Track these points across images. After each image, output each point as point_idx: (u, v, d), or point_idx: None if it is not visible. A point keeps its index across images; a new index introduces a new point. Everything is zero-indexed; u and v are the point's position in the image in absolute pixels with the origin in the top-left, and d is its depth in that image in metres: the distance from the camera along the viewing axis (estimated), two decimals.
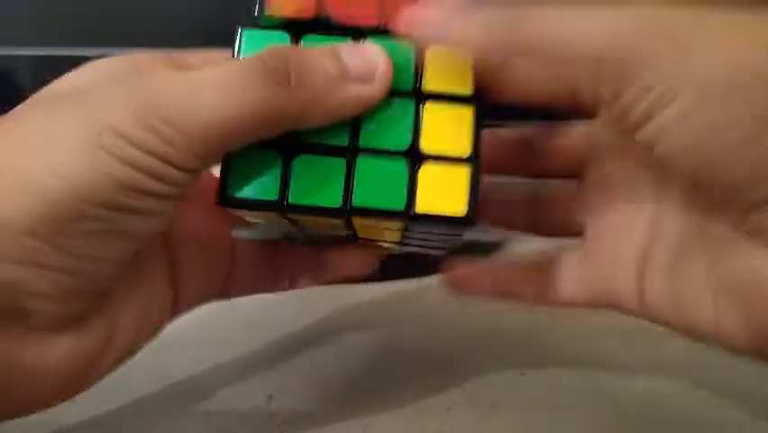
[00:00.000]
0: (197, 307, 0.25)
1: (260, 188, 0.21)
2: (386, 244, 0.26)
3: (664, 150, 0.19)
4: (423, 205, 0.21)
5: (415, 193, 0.21)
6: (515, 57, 0.21)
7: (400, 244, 0.25)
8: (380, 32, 0.21)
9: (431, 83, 0.21)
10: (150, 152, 0.19)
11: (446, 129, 0.21)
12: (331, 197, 0.21)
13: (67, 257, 0.19)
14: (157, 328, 0.24)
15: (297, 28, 0.22)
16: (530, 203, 0.26)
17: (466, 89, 0.21)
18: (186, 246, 0.24)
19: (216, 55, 0.24)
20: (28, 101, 0.22)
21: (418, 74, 0.21)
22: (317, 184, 0.21)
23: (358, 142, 0.21)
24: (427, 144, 0.21)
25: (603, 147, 0.24)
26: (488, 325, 0.27)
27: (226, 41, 0.36)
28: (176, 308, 0.24)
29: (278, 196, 0.21)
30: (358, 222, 0.22)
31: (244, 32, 0.22)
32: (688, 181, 0.21)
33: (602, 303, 0.23)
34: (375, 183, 0.21)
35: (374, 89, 0.21)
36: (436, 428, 0.25)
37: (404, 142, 0.21)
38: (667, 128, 0.18)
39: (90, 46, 0.36)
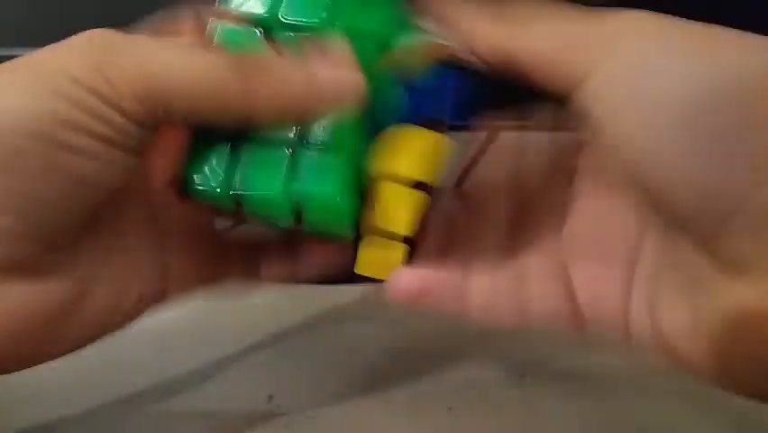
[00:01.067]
0: (189, 293, 0.24)
1: (210, 179, 0.22)
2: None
3: (627, 155, 0.18)
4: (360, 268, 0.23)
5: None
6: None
7: None
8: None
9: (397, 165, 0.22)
10: (93, 92, 0.19)
11: (394, 207, 0.22)
12: (272, 186, 0.21)
13: (8, 195, 0.19)
14: (138, 307, 0.23)
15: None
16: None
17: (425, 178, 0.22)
18: (177, 226, 0.24)
19: (193, 12, 0.24)
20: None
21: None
22: (262, 174, 0.21)
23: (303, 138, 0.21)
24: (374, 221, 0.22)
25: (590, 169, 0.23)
26: (488, 325, 0.27)
27: None
28: (164, 292, 0.24)
29: (225, 186, 0.21)
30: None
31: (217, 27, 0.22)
32: (643, 195, 0.20)
33: (575, 325, 0.22)
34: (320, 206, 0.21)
35: (341, 75, 0.21)
36: (436, 428, 0.25)
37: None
38: (629, 130, 0.18)
39: None
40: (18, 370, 0.21)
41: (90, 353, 0.22)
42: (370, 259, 0.22)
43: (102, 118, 0.19)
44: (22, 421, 0.24)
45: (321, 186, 0.21)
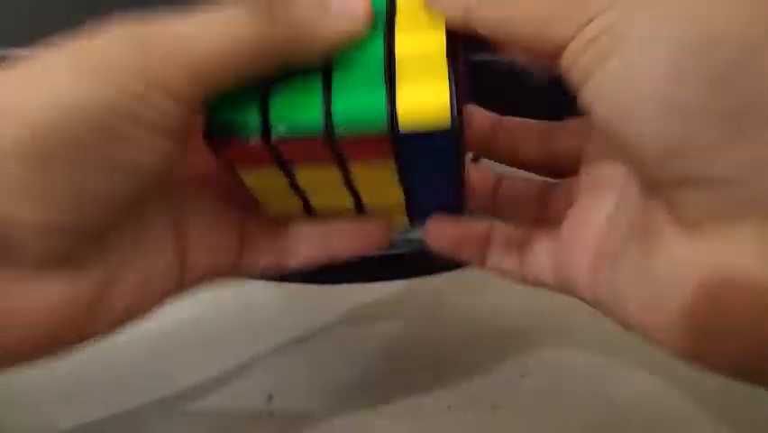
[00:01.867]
0: (206, 283, 0.24)
1: (243, 123, 0.21)
2: (393, 215, 0.25)
3: (601, 113, 0.19)
4: (404, 120, 0.20)
5: (396, 112, 0.20)
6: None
7: (407, 207, 0.25)
8: None
9: (402, 22, 0.22)
10: (141, 78, 0.19)
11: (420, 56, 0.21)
12: (312, 117, 0.21)
13: (54, 186, 0.19)
14: (160, 296, 0.24)
15: None
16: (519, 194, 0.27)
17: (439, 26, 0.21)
18: (194, 217, 0.24)
19: None
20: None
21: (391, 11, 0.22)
22: (297, 107, 0.21)
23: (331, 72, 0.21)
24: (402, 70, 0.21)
25: (586, 144, 0.25)
26: (488, 325, 0.27)
27: None
28: (182, 282, 0.24)
29: (261, 127, 0.21)
30: (355, 173, 0.22)
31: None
32: (621, 154, 0.20)
33: (566, 290, 0.23)
34: (352, 100, 0.21)
35: (354, 24, 0.21)
36: (436, 428, 0.25)
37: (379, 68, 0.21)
38: (605, 87, 0.19)
39: None
40: (45, 357, 0.21)
41: (90, 353, 0.22)
42: (412, 102, 0.20)
43: (152, 105, 0.19)
44: (22, 421, 0.24)
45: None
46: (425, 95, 0.20)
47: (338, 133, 0.20)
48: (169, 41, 0.20)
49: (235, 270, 0.26)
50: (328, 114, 0.21)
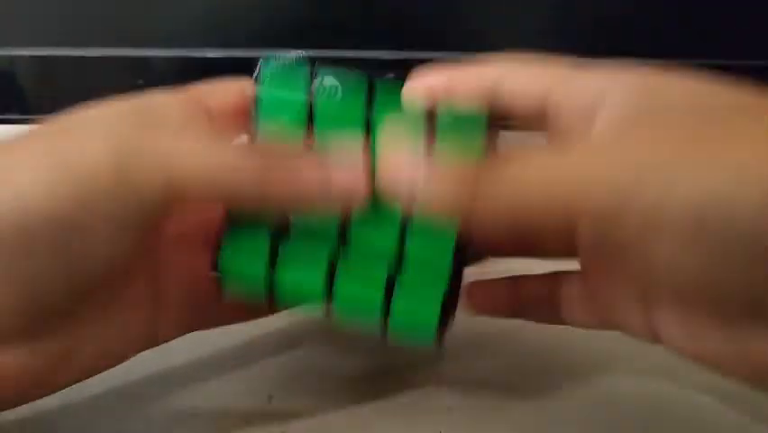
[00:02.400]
0: (179, 335, 0.25)
1: (248, 263, 0.22)
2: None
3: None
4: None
5: (387, 324, 0.22)
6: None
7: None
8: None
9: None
10: (114, 181, 0.19)
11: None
12: (315, 293, 0.22)
13: (13, 275, 0.19)
14: (129, 353, 0.24)
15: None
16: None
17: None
18: (172, 274, 0.24)
19: (234, 86, 0.25)
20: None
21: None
22: (302, 279, 0.22)
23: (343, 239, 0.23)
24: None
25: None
26: (488, 325, 0.27)
27: (227, 40, 0.36)
28: (155, 338, 0.24)
29: (265, 273, 0.22)
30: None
31: (265, 65, 0.23)
32: None
33: (612, 328, 0.23)
34: (352, 294, 0.22)
35: (351, 201, 0.21)
36: (436, 428, 0.25)
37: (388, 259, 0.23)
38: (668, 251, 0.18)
39: (90, 46, 0.36)
40: (4, 410, 0.21)
41: None
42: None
43: (119, 204, 0.20)
44: (21, 417, 0.24)
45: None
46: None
47: (335, 314, 0.22)
48: (154, 151, 0.20)
49: (211, 322, 0.26)
50: (329, 295, 0.22)
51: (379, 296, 0.22)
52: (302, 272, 0.22)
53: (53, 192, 0.19)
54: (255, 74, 0.23)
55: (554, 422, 0.25)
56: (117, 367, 0.28)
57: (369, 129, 0.22)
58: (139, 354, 0.24)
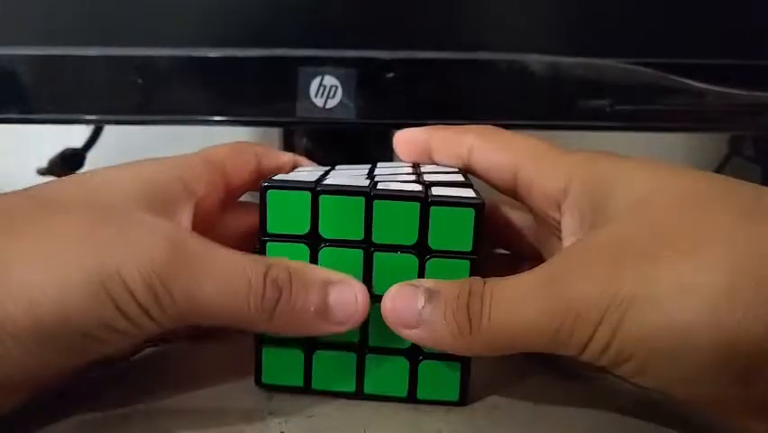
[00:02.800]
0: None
1: (287, 375, 0.26)
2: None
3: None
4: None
5: (416, 385, 0.26)
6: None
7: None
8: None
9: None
10: (140, 306, 0.21)
11: None
12: (347, 385, 0.26)
13: (32, 363, 0.21)
14: (128, 357, 0.27)
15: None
16: None
17: None
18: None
19: (248, 150, 0.29)
20: (48, 193, 0.24)
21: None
22: (335, 373, 0.26)
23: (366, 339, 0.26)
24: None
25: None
26: None
27: (227, 40, 0.36)
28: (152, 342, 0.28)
29: (303, 382, 0.26)
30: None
31: (269, 194, 0.25)
32: None
33: None
34: (381, 379, 0.26)
35: (341, 329, 0.24)
36: (436, 427, 0.25)
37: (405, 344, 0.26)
38: (632, 376, 0.21)
39: (90, 46, 0.36)
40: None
41: None
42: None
43: (137, 324, 0.22)
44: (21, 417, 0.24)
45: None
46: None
47: (366, 394, 0.26)
48: (180, 281, 0.22)
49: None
50: (360, 382, 0.26)
51: (404, 385, 0.26)
52: (334, 378, 0.26)
53: (84, 308, 0.21)
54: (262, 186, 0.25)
55: (555, 422, 0.25)
56: (117, 366, 0.28)
57: (368, 237, 0.25)
58: (138, 356, 0.24)
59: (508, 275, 0.24)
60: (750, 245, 0.20)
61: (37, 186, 0.24)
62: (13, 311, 0.20)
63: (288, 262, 0.24)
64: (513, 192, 0.28)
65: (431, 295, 0.23)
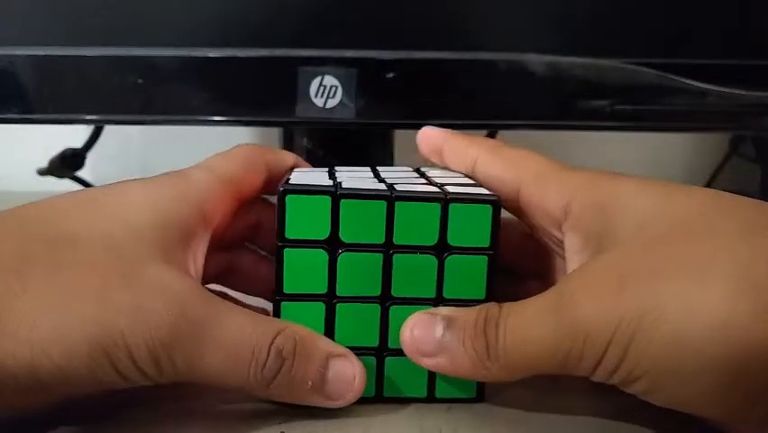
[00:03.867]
0: None
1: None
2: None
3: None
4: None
5: (434, 385, 0.26)
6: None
7: None
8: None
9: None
10: (140, 371, 0.22)
11: None
12: (367, 388, 0.25)
13: (32, 401, 0.22)
14: None
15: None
16: None
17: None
18: None
19: (260, 162, 0.29)
20: (66, 236, 0.23)
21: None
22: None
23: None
24: None
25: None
26: None
27: (227, 40, 0.36)
28: None
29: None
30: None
31: (287, 199, 0.24)
32: None
33: None
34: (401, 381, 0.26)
35: (334, 405, 0.24)
36: (436, 427, 0.25)
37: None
38: (642, 394, 0.22)
39: (90, 46, 0.36)
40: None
41: None
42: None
43: (133, 382, 0.22)
44: (21, 418, 0.24)
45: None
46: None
47: (385, 397, 0.26)
48: (186, 352, 0.22)
49: None
50: (380, 385, 0.26)
51: (423, 386, 0.26)
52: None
53: (82, 369, 0.21)
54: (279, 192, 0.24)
55: (555, 421, 0.26)
56: None
57: (389, 241, 0.25)
58: None
59: (508, 293, 0.24)
60: (755, 262, 0.20)
61: (56, 217, 0.24)
62: (12, 366, 0.20)
63: (296, 329, 0.24)
64: (514, 208, 0.28)
65: (449, 322, 0.24)
